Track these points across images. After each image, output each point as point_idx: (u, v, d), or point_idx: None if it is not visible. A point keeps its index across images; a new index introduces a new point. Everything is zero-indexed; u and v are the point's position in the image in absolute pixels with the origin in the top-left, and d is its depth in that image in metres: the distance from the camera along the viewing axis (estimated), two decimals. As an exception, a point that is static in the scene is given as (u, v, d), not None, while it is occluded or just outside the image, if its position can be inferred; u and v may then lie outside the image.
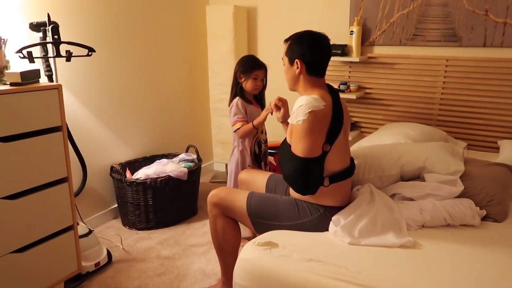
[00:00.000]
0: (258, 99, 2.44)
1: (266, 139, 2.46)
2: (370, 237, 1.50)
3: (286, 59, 1.68)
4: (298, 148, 1.53)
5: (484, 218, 1.70)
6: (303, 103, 1.52)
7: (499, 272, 1.32)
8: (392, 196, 1.80)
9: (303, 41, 1.62)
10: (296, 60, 1.62)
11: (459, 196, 1.74)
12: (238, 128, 2.27)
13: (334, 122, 1.56)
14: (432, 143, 2.06)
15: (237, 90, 2.34)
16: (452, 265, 1.36)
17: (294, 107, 1.56)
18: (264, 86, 2.39)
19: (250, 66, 2.28)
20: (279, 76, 3.28)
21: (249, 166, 2.37)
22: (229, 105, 2.37)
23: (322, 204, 1.63)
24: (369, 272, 1.30)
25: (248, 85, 2.28)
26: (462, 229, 1.61)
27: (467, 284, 1.26)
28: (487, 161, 1.99)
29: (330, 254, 1.41)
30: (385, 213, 1.59)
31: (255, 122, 2.23)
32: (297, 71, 1.63)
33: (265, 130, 2.45)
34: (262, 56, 3.36)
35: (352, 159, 1.76)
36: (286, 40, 1.69)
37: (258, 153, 2.40)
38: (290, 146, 1.60)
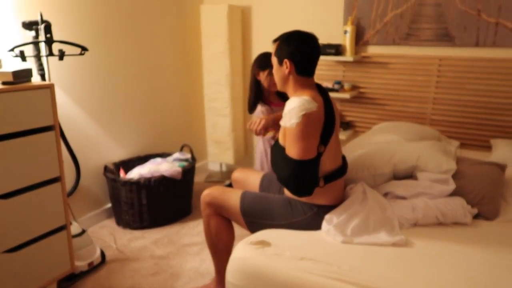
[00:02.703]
0: (281, 95, 2.40)
1: None
2: (363, 236, 1.50)
3: (275, 59, 1.67)
4: (293, 151, 1.53)
5: (475, 216, 1.71)
6: (295, 105, 1.51)
7: (490, 270, 1.33)
8: (385, 194, 1.80)
9: (291, 41, 1.61)
10: (285, 60, 1.61)
11: (451, 195, 1.74)
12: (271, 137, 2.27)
13: (327, 122, 1.56)
14: (425, 142, 2.07)
15: (258, 93, 2.30)
16: (443, 263, 1.36)
17: (286, 109, 1.55)
18: None
19: (268, 61, 2.26)
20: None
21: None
22: (250, 111, 2.35)
23: (316, 203, 1.63)
24: (361, 270, 1.31)
25: (267, 81, 2.27)
26: (453, 227, 1.62)
27: (458, 282, 1.27)
28: (479, 160, 2.00)
29: (322, 253, 1.42)
30: (377, 212, 1.60)
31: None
32: (287, 71, 1.62)
33: None
34: (256, 55, 3.37)
35: (344, 157, 1.77)
36: (274, 40, 1.69)
37: None
38: (283, 148, 1.59)
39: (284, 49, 1.62)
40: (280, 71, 1.65)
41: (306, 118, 1.49)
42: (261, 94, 2.33)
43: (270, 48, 3.25)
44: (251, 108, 2.39)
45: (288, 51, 1.60)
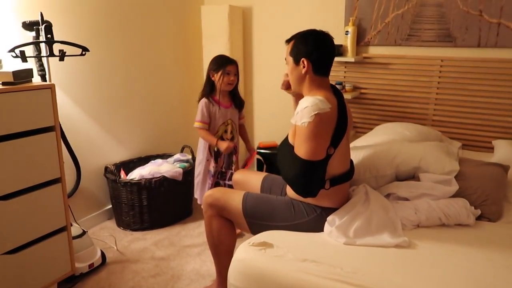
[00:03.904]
0: (233, 97, 2.47)
1: (232, 138, 2.46)
2: (365, 237, 1.49)
3: (290, 59, 1.64)
4: (302, 150, 1.51)
5: (478, 218, 1.70)
6: (308, 104, 1.49)
7: (493, 271, 1.32)
8: (387, 196, 1.79)
9: (309, 40, 1.59)
10: (303, 59, 1.59)
11: (454, 196, 1.74)
12: (199, 128, 2.39)
13: (339, 124, 1.54)
14: (427, 143, 2.06)
15: (207, 89, 2.41)
16: (447, 265, 1.35)
17: (299, 107, 1.54)
18: (237, 83, 2.43)
19: (222, 62, 2.34)
20: (274, 75, 3.29)
21: (213, 167, 2.44)
22: (198, 102, 2.45)
23: (319, 205, 1.62)
24: (364, 272, 1.30)
25: (222, 81, 2.33)
26: (457, 228, 1.62)
27: (461, 283, 1.26)
28: (482, 161, 1.99)
29: (325, 254, 1.41)
30: (380, 213, 1.59)
31: (219, 144, 2.35)
32: (304, 70, 1.60)
33: (232, 129, 2.46)
34: (257, 56, 3.37)
35: (351, 162, 1.75)
36: (288, 40, 1.66)
37: (217, 151, 2.43)
38: (292, 146, 1.58)
39: (301, 48, 1.60)
40: (296, 70, 1.63)
41: (318, 118, 1.47)
42: (213, 92, 2.41)
43: (271, 48, 3.26)
44: (199, 99, 2.46)
45: (305, 50, 1.58)
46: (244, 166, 2.58)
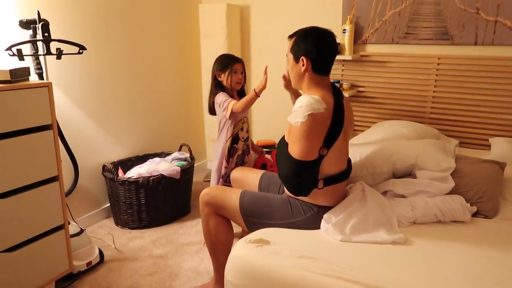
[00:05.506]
0: (241, 96, 2.38)
1: (247, 137, 2.38)
2: (362, 234, 1.50)
3: (290, 56, 1.64)
4: (294, 150, 1.52)
5: (474, 215, 1.71)
6: (303, 104, 1.49)
7: (489, 268, 1.33)
8: (384, 193, 1.80)
9: (308, 38, 1.58)
10: (302, 57, 1.58)
11: (450, 193, 1.74)
12: (233, 105, 2.17)
13: (333, 126, 1.53)
14: (424, 141, 2.07)
15: (217, 88, 2.30)
16: (443, 261, 1.36)
17: (295, 106, 1.54)
18: (244, 81, 2.35)
19: (228, 61, 2.27)
20: (272, 74, 3.28)
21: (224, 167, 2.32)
22: (210, 102, 2.35)
23: (316, 204, 1.62)
24: (360, 268, 1.30)
25: (230, 80, 2.25)
26: (453, 225, 1.62)
27: (457, 279, 1.26)
28: (478, 158, 2.00)
29: (322, 251, 1.41)
30: (376, 210, 1.59)
31: (257, 88, 2.11)
32: (303, 68, 1.59)
33: (247, 128, 2.38)
34: (255, 54, 3.38)
35: (349, 161, 1.75)
36: (290, 36, 1.65)
37: (230, 149, 2.33)
38: (287, 145, 1.58)
39: (301, 46, 1.59)
40: (296, 68, 1.63)
41: (311, 119, 1.47)
42: (222, 89, 2.30)
43: (269, 46, 3.26)
44: (211, 109, 2.36)
45: (305, 48, 1.57)
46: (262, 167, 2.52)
